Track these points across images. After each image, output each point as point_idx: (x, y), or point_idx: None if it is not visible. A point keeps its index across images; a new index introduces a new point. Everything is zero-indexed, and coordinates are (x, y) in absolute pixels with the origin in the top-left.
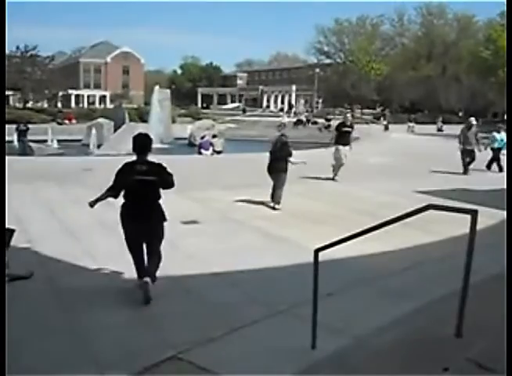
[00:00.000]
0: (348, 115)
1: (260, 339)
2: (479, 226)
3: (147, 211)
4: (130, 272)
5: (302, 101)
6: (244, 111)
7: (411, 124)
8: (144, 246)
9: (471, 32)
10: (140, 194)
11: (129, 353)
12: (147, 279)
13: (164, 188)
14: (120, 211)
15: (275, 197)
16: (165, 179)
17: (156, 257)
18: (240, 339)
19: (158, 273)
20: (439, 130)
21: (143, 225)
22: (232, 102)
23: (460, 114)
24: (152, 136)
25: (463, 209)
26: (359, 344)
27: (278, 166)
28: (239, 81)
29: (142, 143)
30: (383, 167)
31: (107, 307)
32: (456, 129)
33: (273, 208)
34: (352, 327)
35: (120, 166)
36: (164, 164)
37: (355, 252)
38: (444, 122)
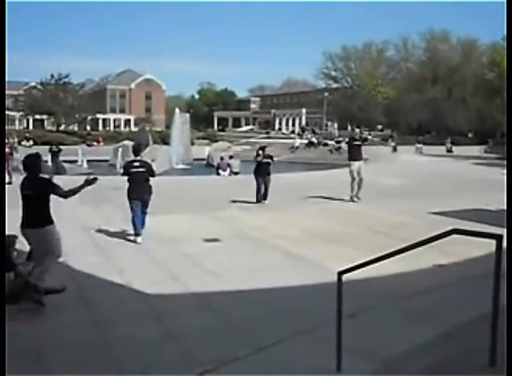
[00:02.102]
0: (357, 129)
1: (285, 360)
2: (493, 249)
3: (142, 189)
4: (155, 287)
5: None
6: (268, 133)
7: (419, 146)
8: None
9: (475, 56)
10: (137, 179)
11: (157, 369)
12: (139, 238)
13: (150, 175)
14: (127, 189)
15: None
16: (150, 170)
17: (145, 215)
18: (265, 359)
19: (182, 290)
20: (448, 151)
21: (139, 197)
22: (247, 124)
23: (470, 135)
24: (174, 157)
25: (488, 234)
26: (387, 369)
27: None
28: (252, 105)
29: (136, 149)
30: (394, 187)
31: (134, 322)
32: (467, 150)
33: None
34: (378, 351)
35: (125, 162)
36: (150, 162)
37: (376, 272)
38: (453, 143)
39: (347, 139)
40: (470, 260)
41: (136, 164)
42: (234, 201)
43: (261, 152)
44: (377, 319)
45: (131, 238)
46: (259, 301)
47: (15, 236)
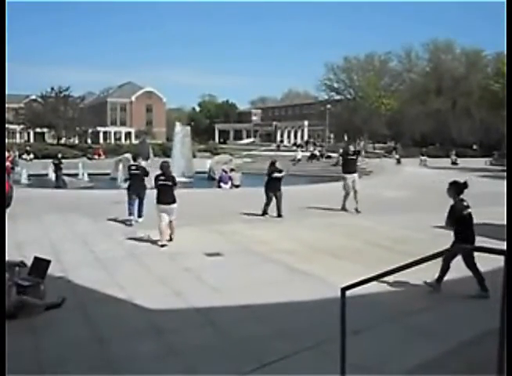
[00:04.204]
0: (350, 146)
1: None
2: (498, 264)
3: (136, 186)
4: (158, 303)
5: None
6: (278, 147)
7: (423, 158)
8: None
9: (480, 66)
10: (134, 179)
11: None
12: (136, 218)
13: (144, 175)
14: (127, 185)
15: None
16: (144, 171)
17: (142, 204)
18: (270, 375)
19: (184, 305)
20: (453, 163)
21: (135, 191)
22: (248, 137)
23: (475, 147)
24: (175, 170)
25: (496, 250)
26: None
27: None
28: (253, 117)
29: (134, 156)
30: (398, 200)
31: (136, 338)
32: (472, 163)
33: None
34: (383, 367)
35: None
36: (144, 165)
37: (380, 287)
38: (458, 155)
39: (341, 151)
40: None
41: (134, 167)
42: (236, 214)
43: (278, 164)
44: (382, 336)
45: (129, 222)
46: (262, 316)
47: (22, 264)
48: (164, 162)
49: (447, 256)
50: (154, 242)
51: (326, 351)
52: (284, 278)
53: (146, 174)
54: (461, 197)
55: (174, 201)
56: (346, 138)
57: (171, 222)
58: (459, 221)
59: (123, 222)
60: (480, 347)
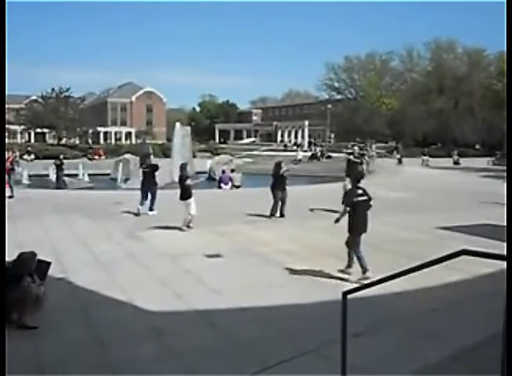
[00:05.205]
0: (356, 147)
1: None
2: (500, 268)
3: (148, 181)
4: (158, 305)
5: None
6: (285, 146)
7: (425, 158)
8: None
9: (483, 65)
10: (145, 176)
11: None
12: (140, 209)
13: (154, 171)
14: (141, 182)
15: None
16: (154, 168)
17: (154, 198)
18: None
19: (184, 307)
20: (456, 163)
21: (147, 186)
22: (248, 137)
23: (477, 147)
24: (175, 170)
25: (500, 255)
26: None
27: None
28: (254, 117)
29: (143, 156)
30: (400, 201)
31: (137, 340)
32: (474, 162)
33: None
34: (384, 372)
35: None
36: (154, 163)
37: (382, 290)
38: (460, 155)
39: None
40: (479, 277)
41: (145, 165)
42: (237, 215)
43: (283, 165)
44: (383, 339)
45: (138, 211)
46: (263, 319)
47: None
48: (183, 164)
49: (348, 243)
50: (157, 243)
51: (327, 354)
52: (285, 279)
53: (156, 168)
54: (359, 185)
55: (187, 197)
56: (356, 145)
57: (189, 214)
58: (353, 206)
59: (123, 222)
60: (486, 351)
